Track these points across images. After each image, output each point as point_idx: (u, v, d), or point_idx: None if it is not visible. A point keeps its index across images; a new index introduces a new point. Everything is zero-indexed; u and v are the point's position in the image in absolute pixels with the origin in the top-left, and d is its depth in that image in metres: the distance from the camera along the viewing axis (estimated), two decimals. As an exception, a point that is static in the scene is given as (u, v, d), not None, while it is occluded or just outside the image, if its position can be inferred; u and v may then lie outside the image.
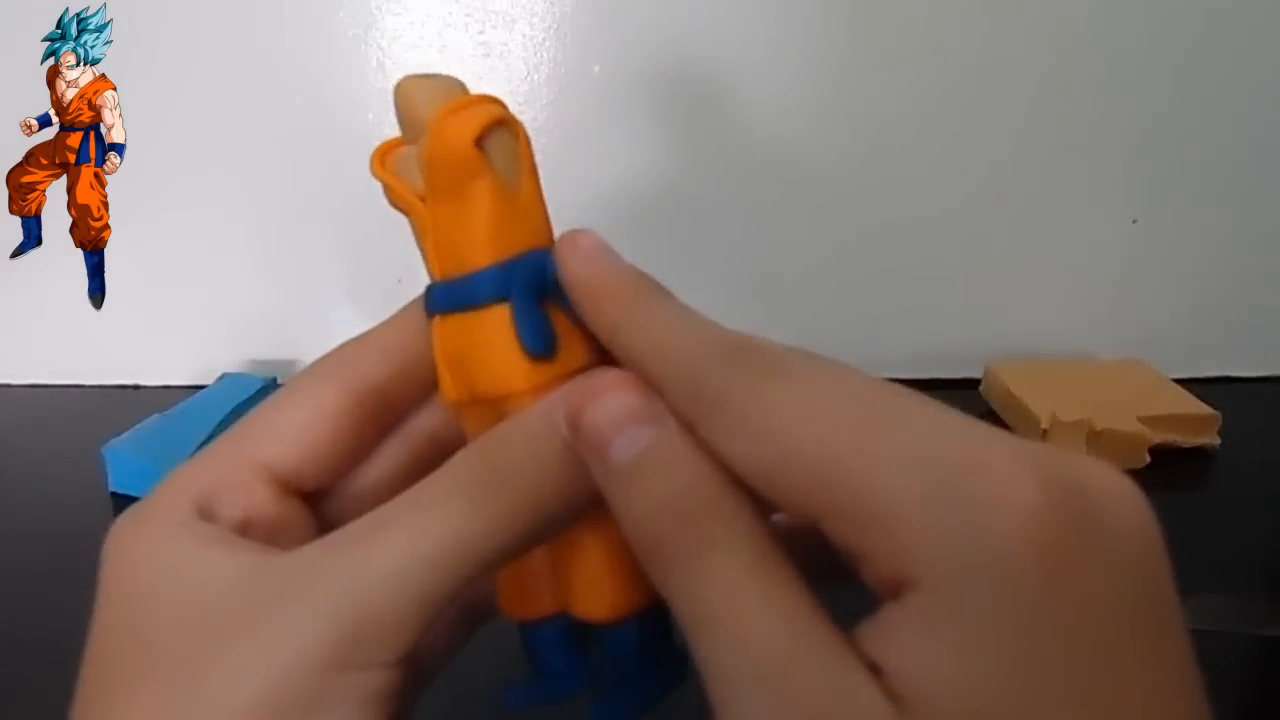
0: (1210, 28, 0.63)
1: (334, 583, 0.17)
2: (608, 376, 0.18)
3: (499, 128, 0.21)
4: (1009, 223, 0.67)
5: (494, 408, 0.20)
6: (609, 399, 0.18)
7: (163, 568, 0.19)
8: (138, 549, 0.20)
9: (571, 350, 0.20)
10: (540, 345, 0.20)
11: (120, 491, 0.53)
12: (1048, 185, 0.66)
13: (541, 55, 0.64)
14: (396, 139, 0.22)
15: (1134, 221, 0.67)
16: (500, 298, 0.20)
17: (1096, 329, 0.68)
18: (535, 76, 0.64)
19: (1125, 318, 0.69)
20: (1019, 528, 0.14)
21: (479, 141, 0.20)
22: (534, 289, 0.20)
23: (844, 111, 0.64)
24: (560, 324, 0.20)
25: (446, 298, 0.21)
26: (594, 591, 0.21)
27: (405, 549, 0.18)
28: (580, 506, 0.19)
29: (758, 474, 0.16)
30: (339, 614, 0.17)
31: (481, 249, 0.20)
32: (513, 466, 0.19)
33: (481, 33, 0.63)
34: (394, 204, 0.22)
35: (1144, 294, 0.68)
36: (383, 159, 0.22)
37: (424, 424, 0.23)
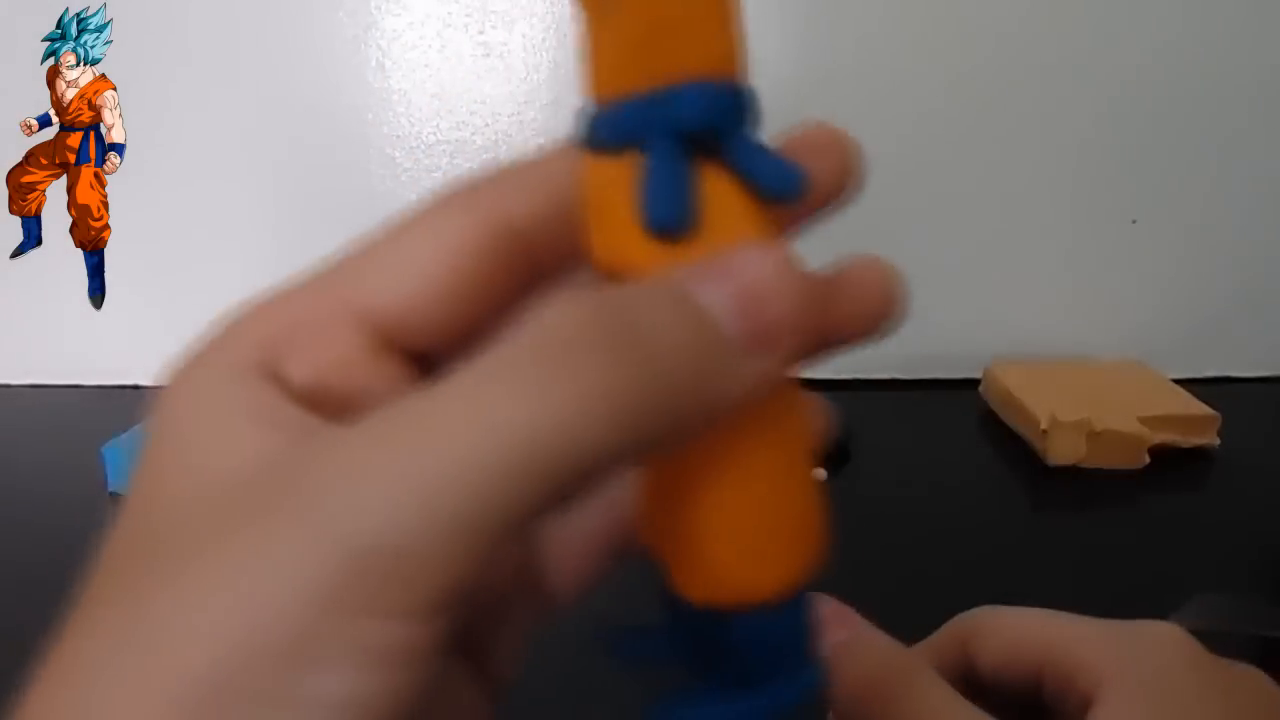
0: (1211, 28, 0.63)
1: (349, 485, 0.13)
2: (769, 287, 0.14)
3: None
4: (1009, 223, 0.67)
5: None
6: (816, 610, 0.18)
7: (192, 435, 0.15)
8: (179, 403, 0.16)
9: (723, 224, 0.15)
10: (664, 218, 0.14)
11: (120, 491, 0.53)
12: (1048, 185, 0.66)
13: (541, 55, 0.64)
14: None
15: (1134, 221, 0.67)
16: (635, 141, 0.15)
17: (1096, 329, 0.68)
18: (535, 76, 0.64)
19: (1125, 318, 0.69)
20: (1174, 645, 0.23)
21: None
22: (683, 136, 0.15)
23: (844, 111, 0.64)
24: (714, 191, 0.15)
25: (582, 127, 0.16)
26: (737, 561, 0.15)
27: (445, 448, 0.13)
28: (706, 418, 0.14)
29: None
30: (347, 532, 0.12)
31: (622, 65, 0.15)
32: (644, 334, 0.13)
33: (481, 33, 0.63)
34: None
35: (1144, 294, 0.68)
36: None
37: (578, 282, 0.18)
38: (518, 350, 0.13)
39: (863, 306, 0.17)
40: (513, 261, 0.17)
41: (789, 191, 0.15)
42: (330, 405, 0.15)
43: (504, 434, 0.12)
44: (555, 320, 0.13)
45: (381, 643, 0.12)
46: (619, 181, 0.15)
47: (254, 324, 0.16)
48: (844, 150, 0.17)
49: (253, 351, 0.16)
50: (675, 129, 0.15)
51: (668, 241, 0.15)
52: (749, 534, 0.15)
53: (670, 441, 0.14)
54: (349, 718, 0.12)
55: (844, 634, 0.23)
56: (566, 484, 0.13)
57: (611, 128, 0.15)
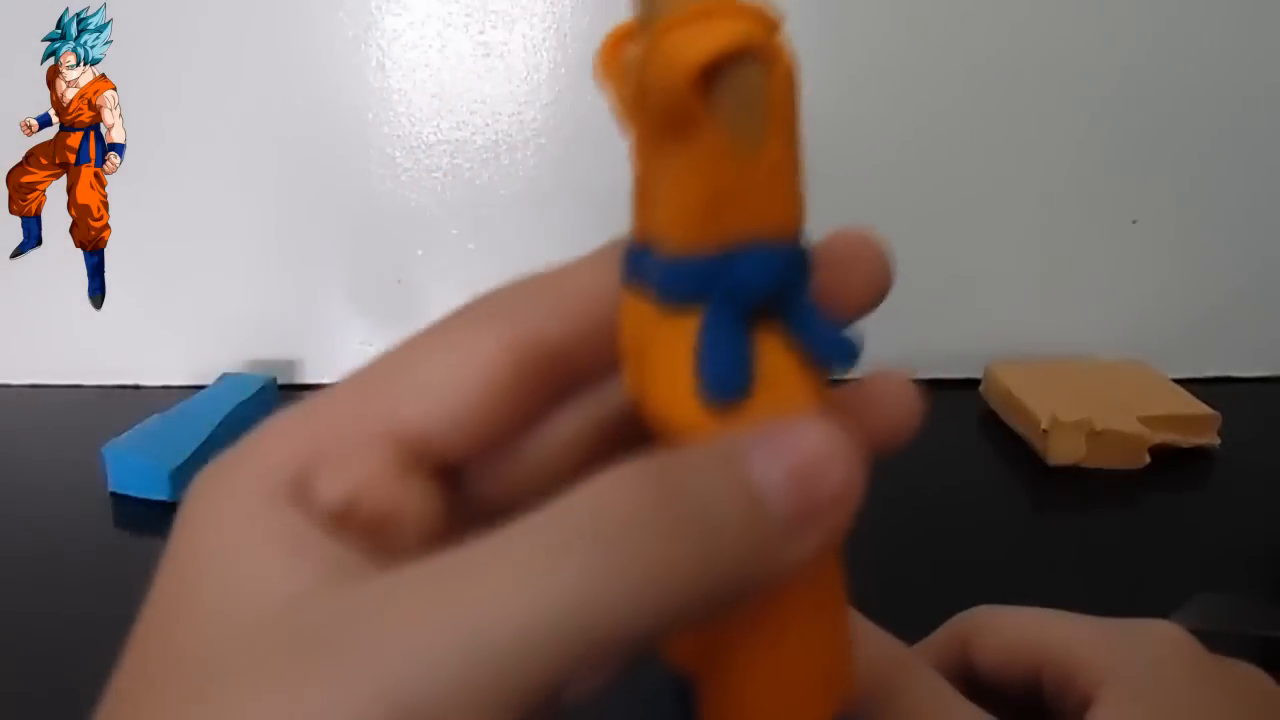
0: (1211, 28, 0.63)
1: (395, 639, 0.13)
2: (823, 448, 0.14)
3: (744, 59, 0.14)
4: (1009, 223, 0.67)
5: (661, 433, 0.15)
6: None
7: (218, 564, 0.15)
8: (206, 521, 0.15)
9: (778, 389, 0.15)
10: (723, 388, 0.14)
11: (120, 491, 0.53)
12: (1048, 185, 0.66)
13: (541, 55, 0.64)
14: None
15: (1134, 221, 0.67)
16: (692, 301, 0.14)
17: (1096, 329, 0.68)
18: (535, 76, 0.64)
19: (1125, 318, 0.69)
20: (1174, 644, 0.23)
21: (708, 74, 0.13)
22: (743, 303, 0.14)
23: (844, 111, 0.64)
24: (770, 357, 0.15)
25: (634, 270, 0.15)
26: (772, 710, 0.15)
27: (490, 614, 0.13)
28: (742, 593, 0.14)
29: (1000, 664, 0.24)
30: (388, 687, 0.12)
31: (682, 224, 0.14)
32: (686, 510, 0.13)
33: (481, 33, 0.63)
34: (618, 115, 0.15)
35: (1144, 294, 0.68)
36: (616, 50, 0.15)
37: (611, 397, 0.18)
38: (572, 521, 0.13)
39: (892, 422, 0.17)
40: (542, 379, 0.17)
41: (844, 361, 0.15)
42: (359, 526, 0.15)
43: (553, 606, 0.13)
44: (610, 495, 0.14)
45: None
46: (676, 339, 0.15)
47: (282, 440, 0.16)
48: (877, 262, 0.17)
49: (281, 471, 0.15)
50: (738, 294, 0.14)
51: (723, 410, 0.14)
52: (785, 687, 0.15)
53: (715, 613, 0.14)
54: None
55: None
56: (609, 654, 0.13)
57: (671, 284, 0.15)
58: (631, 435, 0.16)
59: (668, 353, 0.15)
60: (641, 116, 0.14)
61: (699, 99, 0.14)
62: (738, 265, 0.14)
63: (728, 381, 0.14)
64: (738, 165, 0.14)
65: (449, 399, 0.16)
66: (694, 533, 0.13)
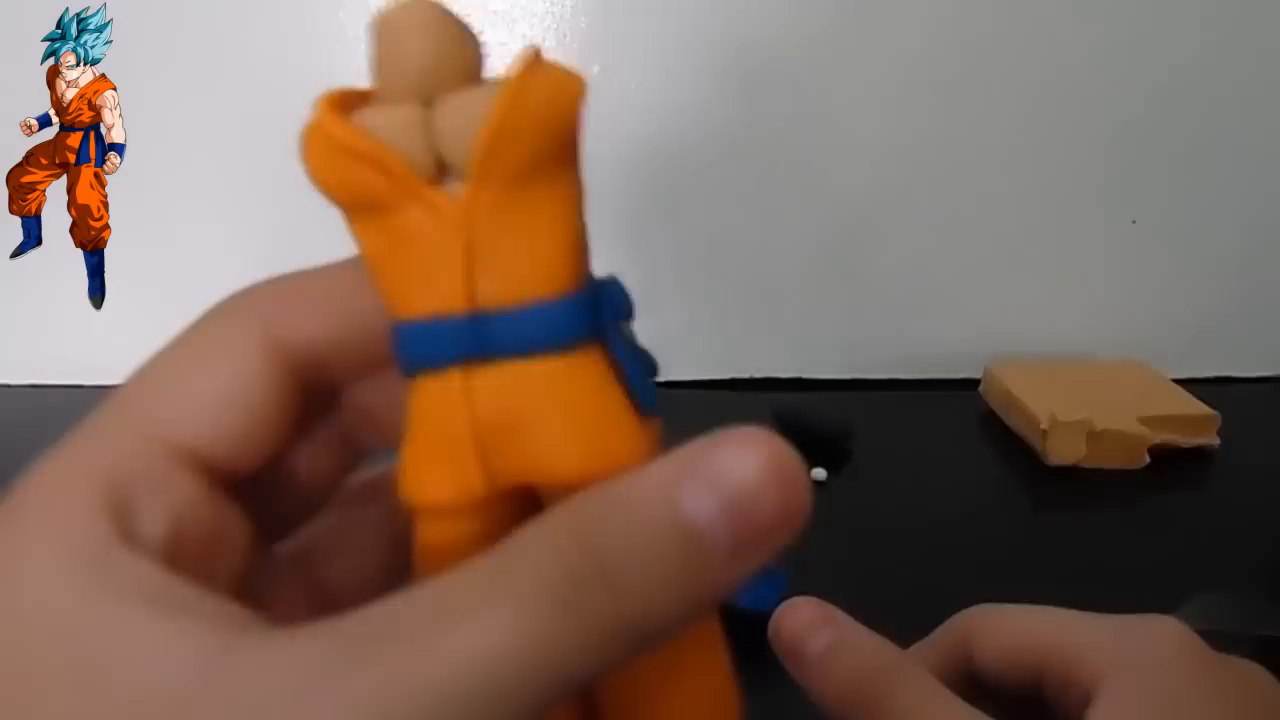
0: (1211, 28, 0.63)
1: (371, 698, 0.12)
2: (747, 459, 0.14)
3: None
4: (1009, 223, 0.67)
5: (550, 496, 0.15)
6: (801, 613, 0.23)
7: (69, 648, 0.12)
8: (18, 604, 0.13)
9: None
10: (651, 397, 0.15)
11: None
12: (1047, 185, 0.66)
13: (541, 55, 0.64)
14: (352, 91, 0.15)
15: (1134, 221, 0.67)
16: (592, 334, 0.14)
17: (1096, 329, 0.68)
18: (535, 76, 0.64)
19: (1125, 318, 0.69)
20: (1174, 639, 0.22)
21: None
22: (620, 323, 0.15)
23: (844, 112, 0.64)
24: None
25: (495, 337, 0.14)
26: None
27: (477, 660, 0.12)
28: (685, 622, 0.14)
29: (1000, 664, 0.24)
30: None
31: (566, 266, 0.14)
32: (624, 561, 0.13)
33: (481, 33, 0.63)
34: (353, 191, 0.15)
35: (1144, 294, 0.68)
36: (342, 114, 0.14)
37: (362, 400, 0.17)
38: (523, 576, 0.13)
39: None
40: (309, 382, 0.16)
41: (650, 378, 0.16)
42: (188, 560, 0.14)
43: (519, 658, 0.12)
44: (530, 553, 0.13)
45: None
46: (577, 379, 0.14)
47: (83, 474, 0.14)
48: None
49: (102, 515, 0.14)
50: (617, 320, 0.15)
51: (647, 424, 0.15)
52: (693, 707, 0.16)
53: (654, 645, 0.14)
54: None
55: (829, 634, 0.23)
56: (547, 701, 0.13)
57: (560, 324, 0.14)
58: (386, 436, 0.16)
59: (582, 391, 0.14)
60: (502, 159, 0.14)
61: (580, 129, 0.14)
62: (606, 296, 0.15)
63: (652, 389, 0.15)
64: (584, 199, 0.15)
65: (231, 413, 0.15)
66: (637, 581, 0.13)
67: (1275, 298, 0.68)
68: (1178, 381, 0.61)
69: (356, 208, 0.15)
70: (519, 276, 0.14)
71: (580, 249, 0.15)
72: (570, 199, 0.14)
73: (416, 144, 0.14)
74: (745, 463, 0.13)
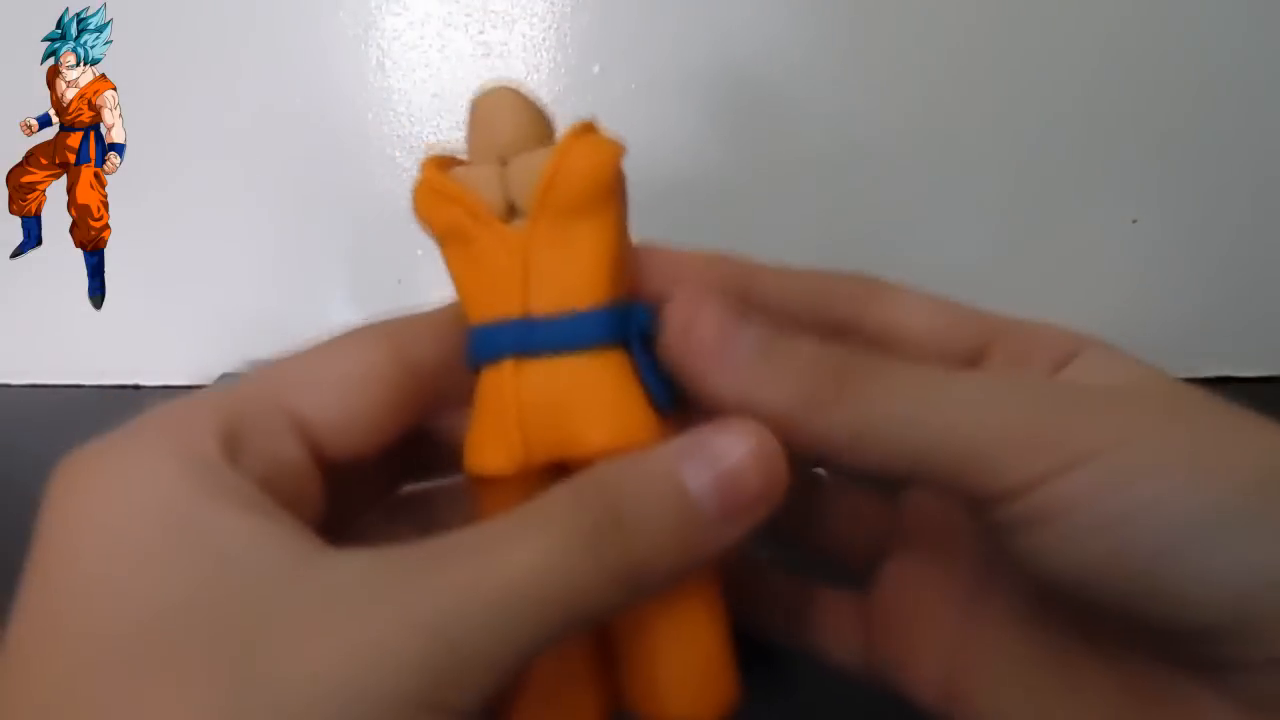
0: (1211, 28, 0.63)
1: (435, 599, 0.15)
2: (734, 427, 0.17)
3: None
4: (1008, 223, 0.67)
5: (579, 470, 0.18)
6: (706, 310, 0.20)
7: (173, 529, 0.15)
8: (125, 492, 0.16)
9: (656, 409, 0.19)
10: (669, 397, 0.18)
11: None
12: (1047, 185, 0.66)
13: (541, 55, 0.64)
14: (447, 157, 0.20)
15: (1134, 221, 0.67)
16: (618, 340, 0.18)
17: (1095, 329, 0.68)
18: (535, 76, 0.64)
19: (1125, 318, 0.69)
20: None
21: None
22: (646, 338, 0.19)
23: (844, 112, 0.64)
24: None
25: (539, 337, 0.18)
26: (692, 684, 0.18)
27: (519, 578, 0.15)
28: (681, 573, 0.17)
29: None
30: (438, 638, 0.14)
31: (599, 285, 0.18)
32: (635, 515, 0.16)
33: (481, 33, 0.63)
34: (446, 225, 0.19)
35: (1144, 294, 0.68)
36: (441, 170, 0.19)
37: (449, 429, 0.21)
38: (545, 522, 0.16)
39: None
40: (419, 395, 0.19)
41: (669, 396, 0.19)
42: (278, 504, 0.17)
43: (549, 580, 0.15)
44: (561, 504, 0.16)
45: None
46: (605, 373, 0.18)
47: (207, 411, 0.17)
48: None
49: (214, 439, 0.16)
50: (645, 331, 0.19)
51: (663, 418, 0.18)
52: (693, 652, 0.19)
53: (655, 591, 0.17)
54: None
55: (757, 329, 0.19)
56: (566, 627, 0.16)
57: (591, 329, 0.18)
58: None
59: (607, 383, 0.18)
60: (556, 201, 0.18)
61: (618, 180, 0.19)
62: (634, 314, 0.19)
63: (670, 389, 0.18)
64: (627, 238, 0.19)
65: (347, 399, 0.18)
66: (644, 535, 0.16)
67: (1275, 298, 0.68)
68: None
69: (447, 238, 0.19)
70: (561, 290, 0.18)
71: (614, 271, 0.18)
72: (607, 233, 0.18)
73: (493, 192, 0.19)
74: (737, 447, 0.17)
